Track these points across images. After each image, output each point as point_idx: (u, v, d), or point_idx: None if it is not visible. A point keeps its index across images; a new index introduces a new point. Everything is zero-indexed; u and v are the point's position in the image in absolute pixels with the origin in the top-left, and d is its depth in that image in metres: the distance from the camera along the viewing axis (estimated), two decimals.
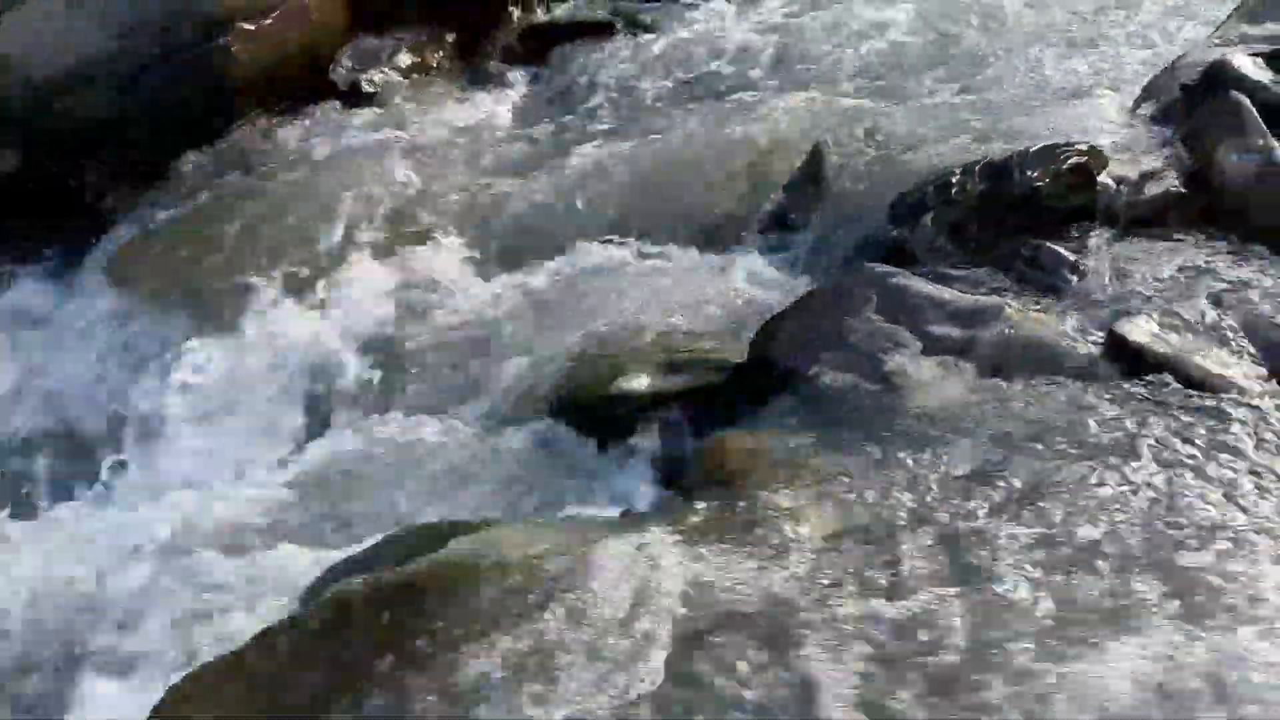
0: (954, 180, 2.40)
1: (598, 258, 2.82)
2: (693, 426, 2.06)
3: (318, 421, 2.61)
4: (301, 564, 1.91)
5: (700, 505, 1.57)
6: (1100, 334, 1.93)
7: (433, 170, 3.45)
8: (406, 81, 4.32)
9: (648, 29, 4.55)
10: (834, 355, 1.99)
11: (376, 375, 2.64)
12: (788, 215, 2.72)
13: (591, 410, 2.16)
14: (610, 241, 2.88)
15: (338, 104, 4.02)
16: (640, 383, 2.11)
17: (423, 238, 3.10)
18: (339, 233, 3.13)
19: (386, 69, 4.35)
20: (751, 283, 2.52)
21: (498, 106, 4.03)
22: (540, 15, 4.89)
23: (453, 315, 2.72)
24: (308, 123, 3.88)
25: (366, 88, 4.23)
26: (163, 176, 3.64)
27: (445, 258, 3.00)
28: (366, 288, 2.90)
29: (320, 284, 2.96)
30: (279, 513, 2.17)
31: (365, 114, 3.97)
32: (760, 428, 1.93)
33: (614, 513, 1.70)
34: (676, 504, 1.66)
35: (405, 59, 4.42)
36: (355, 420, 2.53)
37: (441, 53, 4.55)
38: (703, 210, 2.88)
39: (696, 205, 2.90)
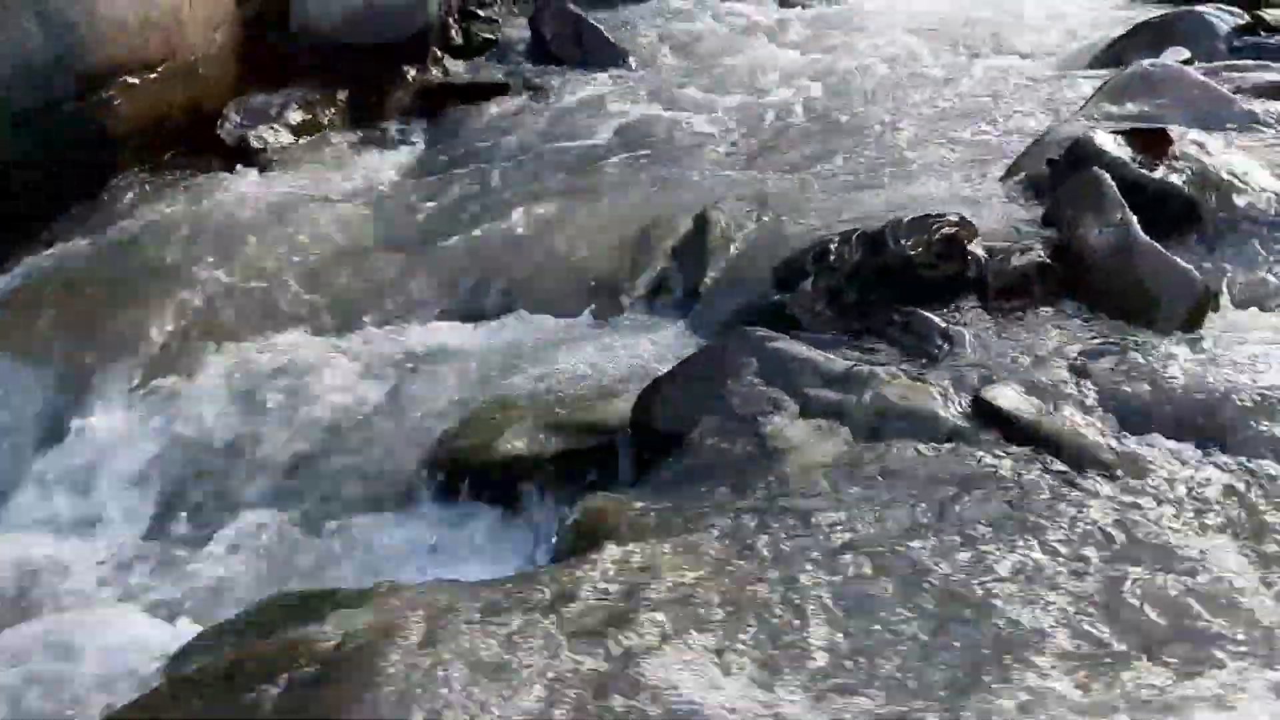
0: (833, 248, 2.46)
1: (482, 322, 2.81)
2: (571, 490, 2.06)
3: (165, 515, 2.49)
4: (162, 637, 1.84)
5: (567, 570, 1.56)
6: (968, 399, 2.00)
7: (316, 230, 3.40)
8: (296, 139, 4.29)
9: (544, 93, 4.61)
10: (714, 418, 2.02)
11: (249, 446, 2.55)
12: (673, 281, 2.76)
13: (471, 474, 2.14)
14: (495, 306, 2.88)
15: (223, 161, 3.95)
16: (520, 446, 2.10)
17: (300, 301, 3.04)
18: (208, 300, 3.04)
19: (276, 126, 4.31)
20: (636, 346, 2.54)
21: (388, 166, 4.02)
22: (437, 75, 4.92)
23: (327, 381, 2.66)
24: (191, 180, 3.81)
25: (254, 144, 4.17)
26: (37, 232, 3.51)
27: (321, 323, 2.95)
28: (234, 360, 2.79)
29: (183, 358, 2.84)
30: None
31: (251, 172, 3.91)
32: (640, 491, 1.94)
33: (484, 576, 1.68)
34: (545, 569, 1.65)
35: (295, 116, 4.39)
36: (209, 507, 2.43)
37: (333, 110, 4.53)
38: (590, 275, 2.89)
39: (584, 270, 2.92)
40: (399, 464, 2.35)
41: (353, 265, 3.27)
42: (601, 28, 5.06)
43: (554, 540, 1.92)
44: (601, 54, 4.93)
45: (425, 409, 2.51)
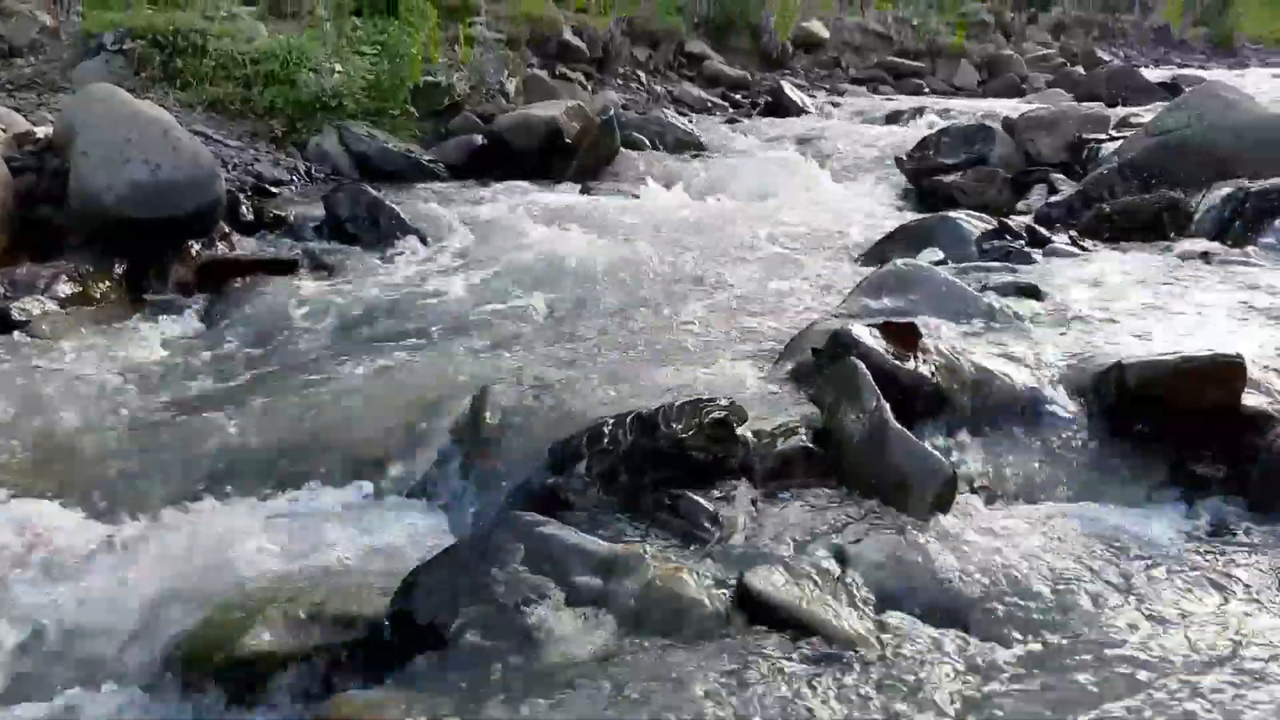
0: (606, 430, 2.48)
1: (244, 507, 2.67)
2: (324, 688, 1.93)
3: None
4: None
5: None
6: (733, 583, 2.01)
7: (76, 409, 3.21)
8: (65, 312, 4.09)
9: (333, 271, 4.58)
10: (477, 608, 1.95)
11: None
12: (449, 462, 2.71)
13: (212, 674, 1.98)
14: (261, 485, 2.75)
15: None
16: (268, 642, 1.97)
17: (51, 485, 2.82)
18: None
19: (43, 298, 4.10)
20: (405, 530, 2.46)
21: (160, 341, 3.86)
22: (223, 251, 4.83)
23: (70, 564, 2.45)
24: None
25: (17, 316, 3.95)
26: None
27: (69, 501, 2.74)
28: None
29: None
30: None
31: (11, 345, 3.68)
32: (396, 687, 1.84)
33: None
34: None
35: (66, 288, 4.20)
36: None
37: (108, 283, 4.37)
38: (363, 455, 2.81)
39: (357, 449, 2.83)
40: (139, 663, 2.16)
41: (110, 443, 3.08)
42: (397, 209, 5.12)
43: None
44: (396, 234, 4.97)
45: (175, 599, 2.33)
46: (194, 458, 3.00)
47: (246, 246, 4.95)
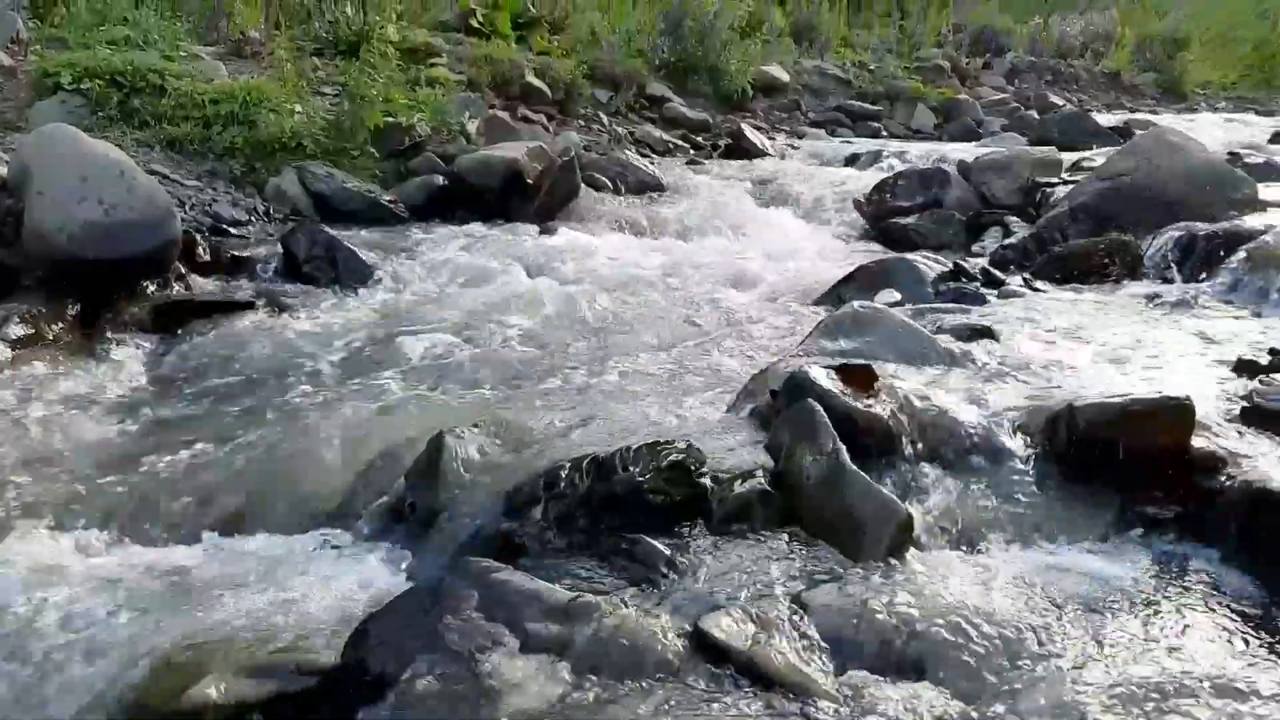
0: (563, 475, 2.47)
1: (196, 551, 2.63)
2: None
3: None
4: None
5: None
6: (689, 629, 2.00)
7: (26, 451, 3.16)
8: (17, 354, 4.03)
9: (290, 311, 4.55)
10: (430, 656, 1.92)
11: None
12: (405, 506, 2.68)
13: None
14: (215, 529, 2.72)
15: None
16: (217, 693, 1.93)
17: None
18: None
19: None
20: (360, 576, 2.43)
21: (114, 382, 3.81)
22: (179, 291, 4.79)
23: (14, 619, 2.39)
24: None
25: None
26: None
27: (17, 553, 2.68)
28: None
29: None
30: None
31: None
32: None
33: None
34: None
35: (18, 330, 4.15)
36: None
37: (62, 325, 4.31)
38: (318, 499, 2.79)
39: (313, 494, 2.81)
40: (84, 714, 2.11)
41: (60, 486, 3.03)
42: (355, 249, 5.11)
43: None
44: (355, 275, 4.97)
45: (123, 645, 2.28)
46: (146, 501, 2.97)
47: (203, 287, 4.91)
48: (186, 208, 5.75)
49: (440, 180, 6.66)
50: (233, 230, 5.76)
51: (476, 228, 6.05)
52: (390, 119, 7.03)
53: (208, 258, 5.16)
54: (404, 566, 2.48)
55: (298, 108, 6.78)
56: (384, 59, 7.32)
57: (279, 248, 5.18)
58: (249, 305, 4.55)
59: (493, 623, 1.98)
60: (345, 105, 6.94)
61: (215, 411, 3.59)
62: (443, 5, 11.63)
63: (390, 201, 6.37)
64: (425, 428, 2.94)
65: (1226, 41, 25.04)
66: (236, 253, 5.25)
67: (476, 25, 10.99)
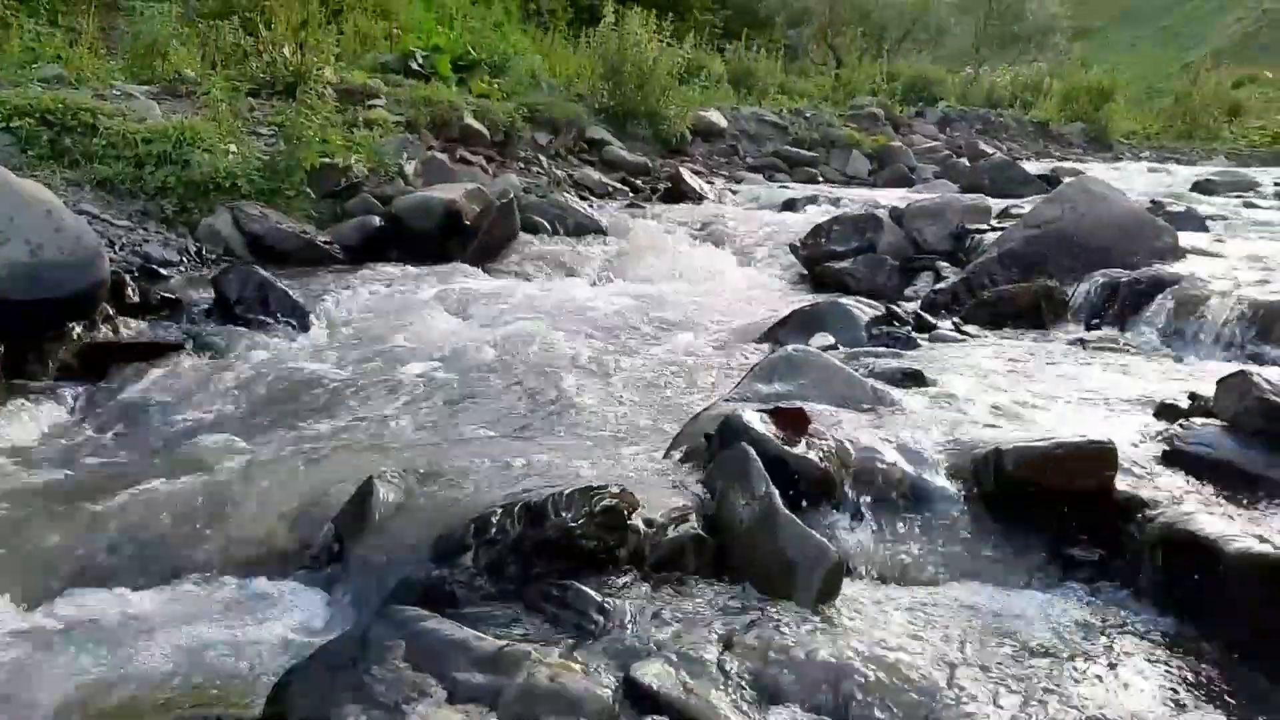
0: (494, 520, 2.45)
1: (117, 600, 2.55)
2: None
3: None
4: None
5: None
6: (619, 677, 1.98)
7: None
8: None
9: (221, 353, 4.48)
10: (356, 707, 1.88)
11: None
12: (332, 553, 2.64)
13: None
14: (135, 581, 2.64)
15: None
16: None
17: None
18: None
19: None
20: (283, 628, 2.37)
21: (35, 426, 3.72)
22: (107, 333, 4.69)
23: None
24: None
25: None
26: None
27: None
28: None
29: None
30: None
31: None
32: None
33: None
34: None
35: None
36: None
37: None
38: (243, 546, 2.72)
39: (237, 543, 2.74)
40: None
41: None
42: (289, 290, 5.05)
43: None
44: (287, 317, 4.91)
45: (42, 699, 2.21)
46: (67, 549, 2.88)
47: (132, 328, 4.82)
48: (116, 248, 5.66)
49: (377, 221, 6.64)
50: (163, 271, 5.68)
51: (413, 269, 6.02)
52: (327, 160, 7.00)
53: (137, 299, 5.07)
54: (331, 615, 2.44)
55: (232, 147, 6.72)
56: (321, 100, 7.30)
57: (210, 289, 5.11)
58: (178, 347, 4.47)
59: (420, 673, 1.95)
60: (281, 145, 6.90)
61: (141, 456, 3.51)
62: (382, 47, 11.64)
63: (326, 242, 6.32)
64: (354, 472, 2.90)
65: (1150, 94, 25.92)
66: (167, 294, 5.17)
67: (416, 67, 11.01)
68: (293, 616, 2.43)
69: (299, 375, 3.96)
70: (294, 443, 3.31)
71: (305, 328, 4.83)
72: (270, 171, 6.64)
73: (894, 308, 5.07)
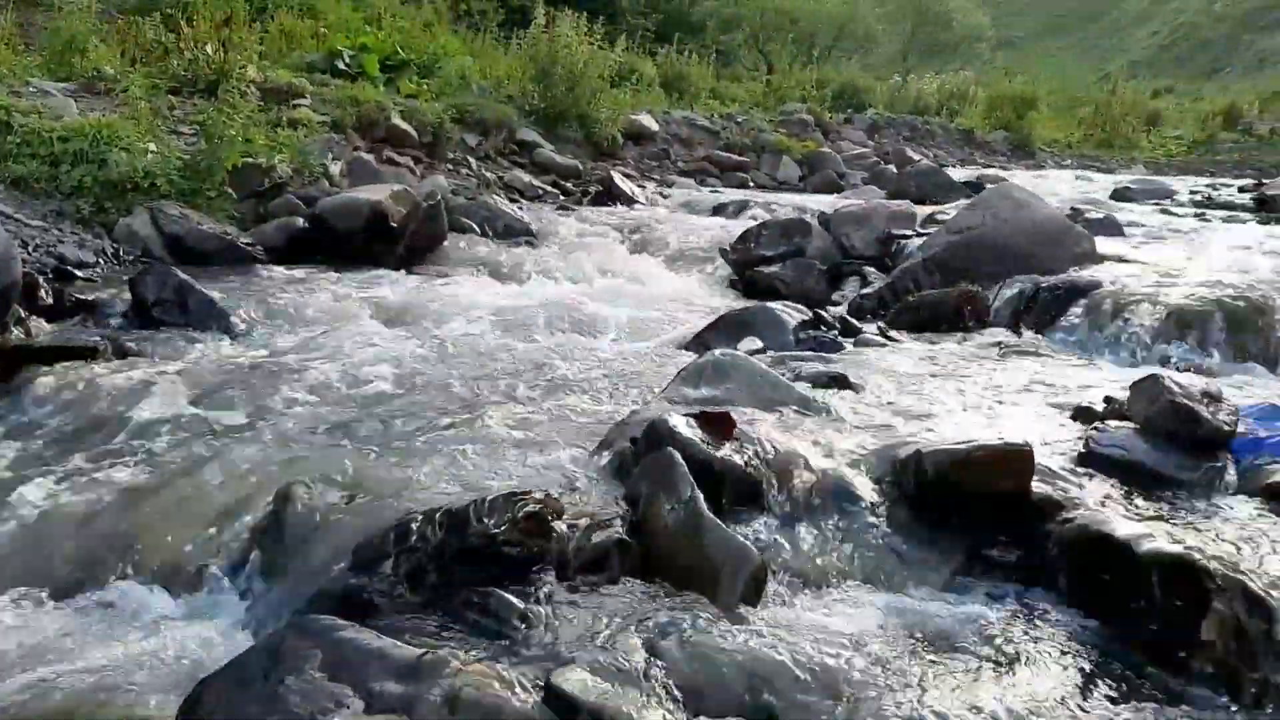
0: (415, 527, 2.41)
1: (26, 613, 2.47)
2: None
3: None
4: None
5: None
6: (541, 684, 1.96)
7: None
8: None
9: (137, 357, 4.36)
10: (270, 719, 1.85)
11: None
12: (249, 563, 2.58)
13: None
14: (45, 594, 2.55)
15: None
16: None
17: None
18: None
19: None
20: (199, 637, 2.32)
21: None
22: (18, 336, 4.54)
23: None
24: None
25: None
26: None
27: None
28: None
29: None
30: None
31: None
32: None
33: None
34: None
35: None
36: None
37: None
38: (157, 556, 2.65)
39: (151, 553, 2.66)
40: None
41: None
42: (209, 293, 4.93)
43: None
44: (206, 319, 4.79)
45: None
46: None
47: (46, 331, 4.67)
48: (29, 249, 5.49)
49: (301, 222, 6.52)
50: (79, 272, 5.52)
51: (337, 272, 5.93)
52: (249, 159, 6.87)
53: (51, 301, 4.91)
54: (247, 625, 2.39)
55: (152, 146, 6.56)
56: (244, 98, 7.16)
57: (127, 291, 4.97)
58: (92, 351, 4.33)
59: (336, 683, 1.91)
60: (202, 145, 6.75)
61: (51, 463, 3.39)
62: (309, 46, 11.46)
63: (248, 244, 6.19)
64: (272, 479, 2.84)
65: (1072, 103, 26.56)
66: (82, 296, 5.02)
67: (343, 67, 10.86)
68: (206, 629, 2.37)
69: (217, 380, 3.86)
70: (209, 450, 3.22)
71: (225, 331, 4.72)
72: (191, 171, 6.49)
73: (821, 312, 5.11)
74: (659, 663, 2.06)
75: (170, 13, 9.76)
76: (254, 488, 2.87)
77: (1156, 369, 3.87)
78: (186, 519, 2.78)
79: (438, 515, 2.44)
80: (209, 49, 8.91)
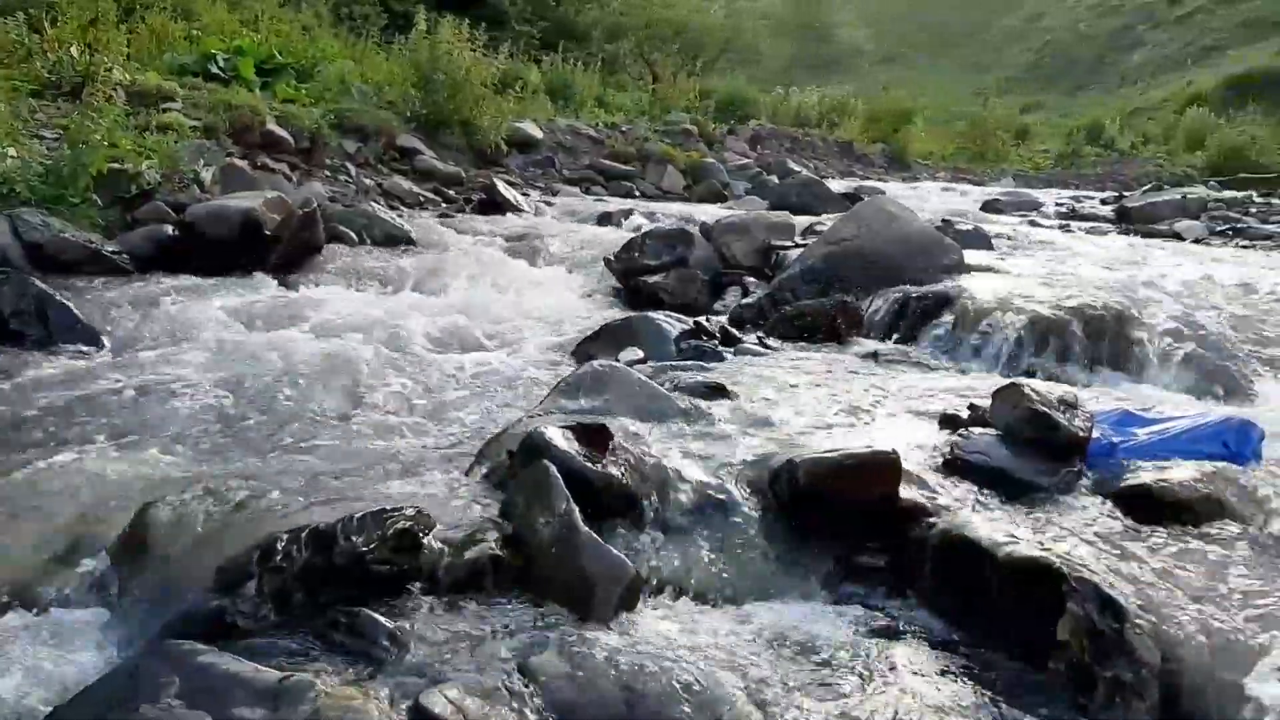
0: (279, 546, 2.34)
1: None
2: None
3: None
4: None
5: None
6: (409, 705, 1.93)
7: None
8: None
9: None
10: None
11: None
12: (106, 585, 2.47)
13: None
14: None
15: None
16: None
17: None
18: None
19: None
20: (52, 662, 2.20)
21: None
22: None
23: None
24: None
25: None
26: None
27: None
28: None
29: None
30: None
31: None
32: None
33: None
34: None
35: None
36: None
37: None
38: (8, 576, 2.52)
39: (2, 572, 2.54)
40: None
41: None
42: (71, 305, 4.74)
43: None
44: (68, 333, 4.61)
45: None
46: None
47: None
48: None
49: (170, 230, 6.30)
50: None
51: (207, 281, 5.75)
52: (116, 165, 6.61)
53: None
54: (103, 649, 2.28)
55: (12, 151, 6.27)
56: (109, 102, 6.90)
57: None
58: None
59: (195, 710, 1.85)
60: (65, 149, 6.48)
61: None
62: (182, 49, 11.11)
63: (114, 252, 5.96)
64: (134, 497, 2.73)
65: (948, 118, 27.46)
66: None
67: (218, 70, 10.56)
68: (61, 652, 2.25)
69: (77, 394, 3.71)
70: (68, 466, 3.09)
71: (87, 343, 4.53)
72: (53, 177, 6.22)
73: (703, 322, 5.16)
74: (531, 679, 2.05)
75: (33, 13, 9.34)
76: (112, 506, 2.76)
77: (1019, 377, 4.01)
78: (40, 539, 2.65)
79: (304, 534, 2.37)
80: (74, 50, 8.56)
